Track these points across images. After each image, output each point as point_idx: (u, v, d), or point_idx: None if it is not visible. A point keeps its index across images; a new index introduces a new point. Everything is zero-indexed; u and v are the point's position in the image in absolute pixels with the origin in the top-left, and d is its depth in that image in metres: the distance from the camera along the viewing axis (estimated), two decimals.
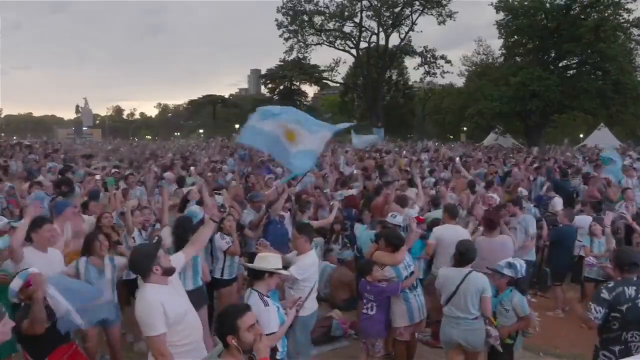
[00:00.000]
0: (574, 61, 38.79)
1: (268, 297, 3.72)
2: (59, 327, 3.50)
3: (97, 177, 9.54)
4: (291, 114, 6.43)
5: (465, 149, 25.76)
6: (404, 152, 20.47)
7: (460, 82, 49.86)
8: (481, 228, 6.12)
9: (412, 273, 4.98)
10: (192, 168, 12.19)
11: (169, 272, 3.28)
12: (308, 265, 4.49)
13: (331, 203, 7.87)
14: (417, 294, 5.00)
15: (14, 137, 36.06)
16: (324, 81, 56.80)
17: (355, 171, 12.03)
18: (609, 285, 3.81)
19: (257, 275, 3.75)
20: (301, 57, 52.98)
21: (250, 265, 3.84)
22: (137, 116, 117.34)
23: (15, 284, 3.52)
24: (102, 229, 5.57)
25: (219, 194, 7.15)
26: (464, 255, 4.53)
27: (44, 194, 7.77)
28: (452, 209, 6.32)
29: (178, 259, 3.60)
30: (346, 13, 50.53)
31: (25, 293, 3.52)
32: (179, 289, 3.41)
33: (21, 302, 3.59)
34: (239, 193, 8.48)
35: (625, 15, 35.40)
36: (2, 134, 51.80)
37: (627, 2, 34.74)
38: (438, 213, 7.50)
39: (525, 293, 4.42)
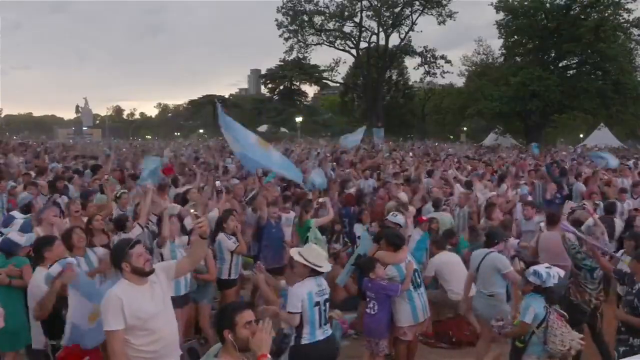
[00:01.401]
0: (574, 61, 38.88)
1: None
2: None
3: (106, 176, 9.52)
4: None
5: (462, 150, 25.68)
6: (410, 153, 20.22)
7: (460, 82, 49.87)
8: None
9: (415, 271, 4.98)
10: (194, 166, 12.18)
11: (138, 271, 3.18)
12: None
13: (319, 200, 7.91)
14: (421, 293, 4.99)
15: (14, 137, 36.03)
16: (324, 81, 56.82)
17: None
18: None
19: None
20: (301, 57, 53.05)
21: (311, 262, 3.98)
22: (137, 116, 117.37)
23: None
24: (92, 231, 5.53)
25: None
26: (489, 237, 5.30)
27: (28, 195, 7.66)
28: (439, 241, 6.42)
29: (165, 267, 3.49)
30: (346, 13, 50.55)
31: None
32: (156, 294, 3.26)
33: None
34: (239, 193, 8.49)
35: (625, 15, 35.57)
36: (7, 134, 51.75)
37: (627, 2, 34.90)
38: (438, 215, 7.54)
39: (554, 303, 4.30)
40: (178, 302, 4.64)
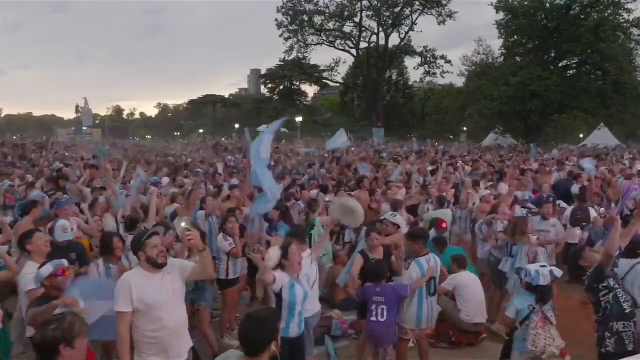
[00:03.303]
0: (574, 61, 38.85)
1: None
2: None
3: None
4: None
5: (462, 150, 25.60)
6: (412, 153, 20.13)
7: (460, 82, 49.83)
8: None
9: (432, 279, 4.81)
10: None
11: (151, 261, 3.40)
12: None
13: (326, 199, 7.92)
14: (431, 302, 4.85)
15: (14, 137, 36.04)
16: (324, 81, 56.79)
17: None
18: None
19: None
20: (301, 57, 53.08)
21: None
22: (137, 116, 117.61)
23: (45, 270, 3.63)
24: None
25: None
26: (635, 246, 4.73)
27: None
28: (461, 260, 6.23)
29: (183, 265, 3.67)
30: (346, 13, 50.55)
31: (51, 282, 3.64)
32: (167, 285, 3.45)
33: (44, 289, 3.65)
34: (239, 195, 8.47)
35: (625, 15, 35.53)
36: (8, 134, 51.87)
37: (627, 2, 34.86)
38: (440, 213, 7.54)
39: (544, 301, 4.28)
40: None
